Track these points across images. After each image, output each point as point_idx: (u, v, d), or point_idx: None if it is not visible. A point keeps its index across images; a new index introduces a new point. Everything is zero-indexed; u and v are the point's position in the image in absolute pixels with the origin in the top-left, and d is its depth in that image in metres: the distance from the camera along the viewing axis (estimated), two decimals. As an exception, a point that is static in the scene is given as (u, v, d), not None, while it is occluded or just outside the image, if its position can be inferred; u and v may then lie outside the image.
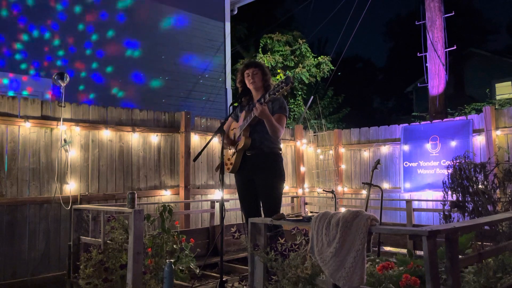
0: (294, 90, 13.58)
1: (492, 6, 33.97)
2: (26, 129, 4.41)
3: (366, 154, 7.02)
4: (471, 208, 3.28)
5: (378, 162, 4.71)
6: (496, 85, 17.68)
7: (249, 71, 3.63)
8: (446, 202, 3.43)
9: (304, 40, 13.00)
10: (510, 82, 17.47)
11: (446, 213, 3.34)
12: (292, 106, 13.55)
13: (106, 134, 4.99)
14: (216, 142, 5.94)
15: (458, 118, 6.70)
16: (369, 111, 26.95)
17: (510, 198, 3.24)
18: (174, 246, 3.79)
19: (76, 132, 4.76)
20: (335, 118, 15.08)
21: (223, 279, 3.23)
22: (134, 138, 5.24)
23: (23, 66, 6.32)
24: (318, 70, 12.74)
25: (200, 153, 3.50)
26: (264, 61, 12.17)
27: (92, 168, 4.86)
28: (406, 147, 6.56)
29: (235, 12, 9.49)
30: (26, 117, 4.41)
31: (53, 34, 6.61)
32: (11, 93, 5.98)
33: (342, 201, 7.07)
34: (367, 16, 8.46)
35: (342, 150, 7.25)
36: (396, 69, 27.74)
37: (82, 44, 6.90)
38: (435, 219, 5.97)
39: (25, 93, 6.19)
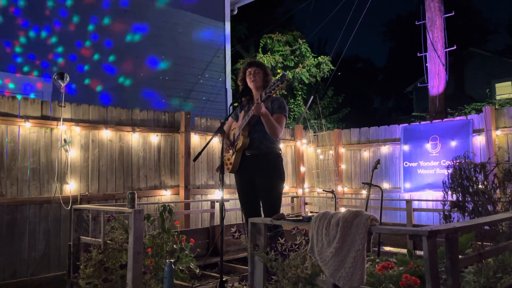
0: (294, 90, 13.57)
1: (492, 6, 33.99)
2: (26, 129, 4.41)
3: (366, 154, 7.02)
4: (471, 208, 3.28)
5: (378, 162, 4.71)
6: (496, 85, 17.69)
7: (251, 70, 3.64)
8: (446, 202, 3.43)
9: (304, 40, 13.01)
10: (510, 82, 17.47)
11: (446, 213, 3.34)
12: (292, 106, 13.54)
13: (106, 134, 4.99)
14: (216, 142, 5.94)
15: (458, 118, 6.70)
16: (369, 111, 26.97)
17: (510, 198, 3.24)
18: (174, 246, 3.80)
19: (76, 132, 4.76)
20: (335, 118, 15.08)
21: (223, 279, 3.23)
22: (134, 138, 5.24)
23: (24, 66, 6.31)
24: (318, 70, 12.75)
25: (200, 153, 3.50)
26: (264, 61, 12.17)
27: (92, 168, 4.86)
28: (406, 147, 6.56)
29: (235, 12, 9.49)
30: (26, 117, 4.40)
31: (53, 33, 6.60)
32: (13, 93, 5.97)
33: (342, 201, 7.07)
34: (367, 16, 8.46)
35: (342, 150, 7.25)
36: (396, 69, 27.76)
37: (83, 42, 6.89)
38: (435, 219, 5.97)
39: (27, 93, 6.19)
